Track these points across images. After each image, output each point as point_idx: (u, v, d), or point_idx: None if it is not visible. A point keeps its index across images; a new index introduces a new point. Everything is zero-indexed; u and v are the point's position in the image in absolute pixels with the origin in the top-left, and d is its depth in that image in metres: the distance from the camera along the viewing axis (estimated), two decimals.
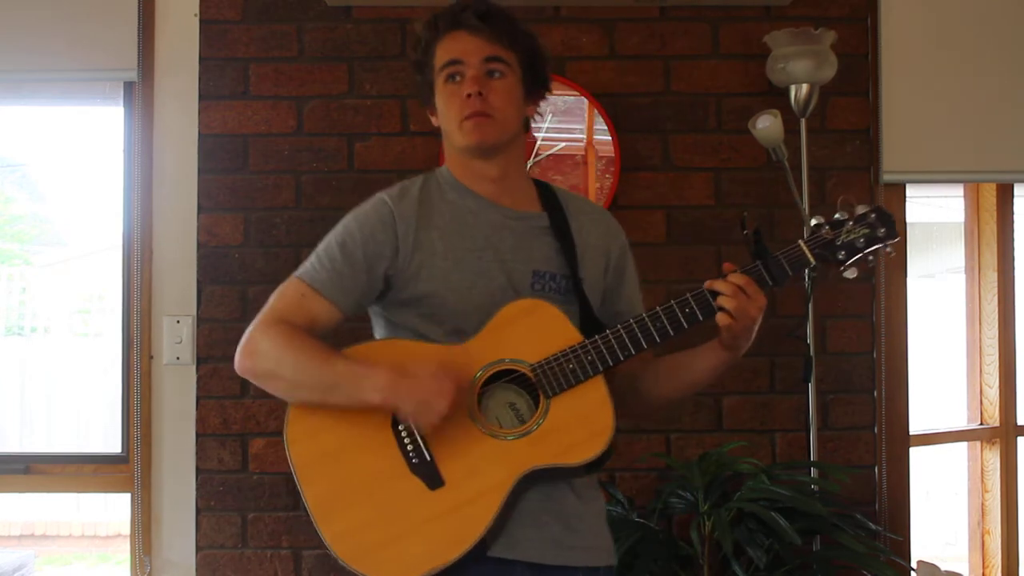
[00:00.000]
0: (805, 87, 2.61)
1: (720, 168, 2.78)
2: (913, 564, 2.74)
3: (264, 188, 2.75)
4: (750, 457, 2.61)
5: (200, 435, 2.71)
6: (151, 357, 2.75)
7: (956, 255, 3.25)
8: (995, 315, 3.05)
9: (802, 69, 2.58)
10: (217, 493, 2.70)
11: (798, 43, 2.59)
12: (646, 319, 1.56)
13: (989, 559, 3.07)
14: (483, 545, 1.52)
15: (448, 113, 1.66)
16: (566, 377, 1.54)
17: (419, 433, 1.54)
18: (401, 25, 2.76)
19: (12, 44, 2.77)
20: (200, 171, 2.74)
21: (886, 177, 2.80)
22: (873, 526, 2.51)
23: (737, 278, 1.53)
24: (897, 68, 2.81)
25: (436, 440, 1.54)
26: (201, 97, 2.75)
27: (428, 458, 1.54)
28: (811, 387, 2.65)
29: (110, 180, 3.03)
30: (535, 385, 1.56)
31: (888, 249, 1.57)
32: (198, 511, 2.70)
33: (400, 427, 1.55)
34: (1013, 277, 3.07)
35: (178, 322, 2.74)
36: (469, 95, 1.61)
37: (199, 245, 2.74)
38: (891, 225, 1.56)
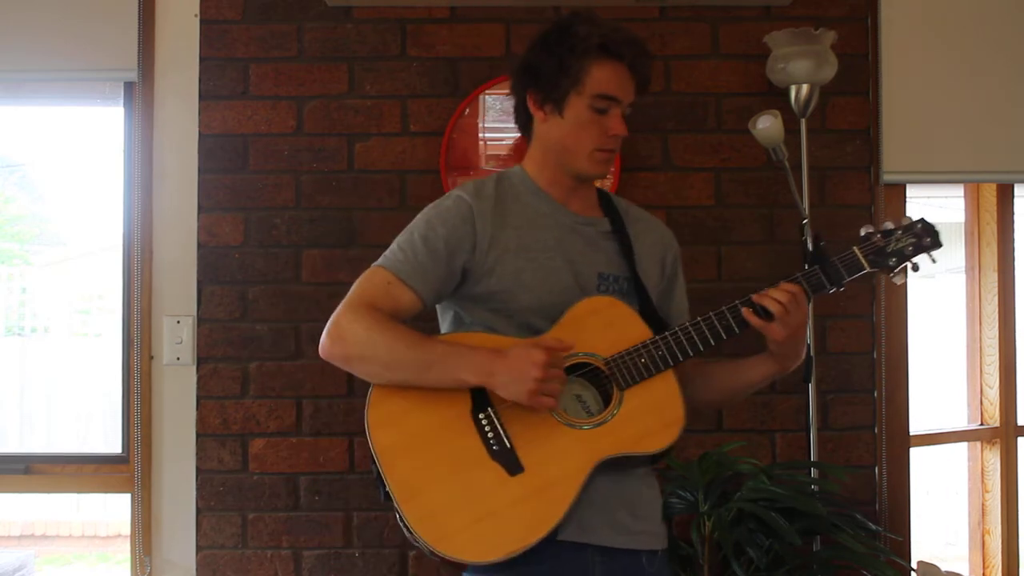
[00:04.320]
0: (805, 87, 2.61)
1: (720, 168, 2.78)
2: (913, 564, 2.74)
3: (264, 188, 2.75)
4: (750, 457, 2.61)
5: (200, 435, 2.71)
6: (151, 357, 2.75)
7: (956, 255, 3.24)
8: (995, 315, 3.05)
9: (802, 69, 2.58)
10: (217, 493, 2.70)
11: (798, 43, 2.59)
12: (712, 316, 1.65)
13: (989, 559, 3.07)
14: (555, 529, 1.58)
15: (582, 137, 1.71)
16: (639, 371, 1.63)
17: (499, 420, 1.60)
18: (401, 25, 2.76)
19: (12, 44, 2.77)
20: (200, 171, 2.75)
21: (886, 177, 2.80)
22: (873, 526, 2.51)
23: (789, 286, 1.63)
24: (897, 68, 2.81)
25: (515, 428, 1.60)
26: (201, 97, 2.76)
27: (508, 445, 1.60)
28: (811, 387, 2.65)
29: (110, 180, 3.04)
30: (606, 378, 1.64)
31: (931, 258, 1.69)
32: (198, 511, 2.70)
33: (480, 415, 1.61)
34: (1013, 277, 3.06)
35: (178, 322, 2.74)
36: (614, 135, 1.70)
37: (199, 245, 2.74)
38: (935, 235, 1.68)
